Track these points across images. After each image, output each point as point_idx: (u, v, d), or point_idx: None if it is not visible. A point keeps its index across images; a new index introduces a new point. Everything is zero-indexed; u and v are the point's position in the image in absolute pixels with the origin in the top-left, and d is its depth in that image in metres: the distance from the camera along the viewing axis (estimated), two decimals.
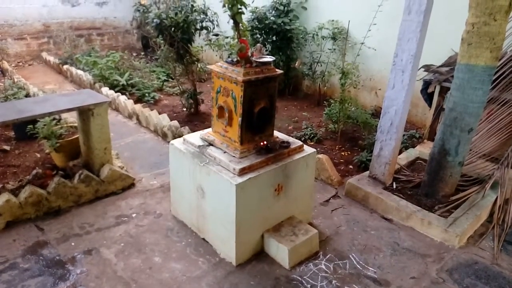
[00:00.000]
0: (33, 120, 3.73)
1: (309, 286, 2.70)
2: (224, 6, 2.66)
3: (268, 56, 2.81)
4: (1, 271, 2.71)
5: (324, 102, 5.47)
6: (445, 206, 3.44)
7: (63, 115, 4.43)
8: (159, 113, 5.31)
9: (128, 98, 5.99)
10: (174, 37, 4.99)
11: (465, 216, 3.28)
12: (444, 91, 4.44)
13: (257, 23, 6.20)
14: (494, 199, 3.56)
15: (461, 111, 3.23)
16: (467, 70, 3.13)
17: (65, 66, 7.67)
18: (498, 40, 3.01)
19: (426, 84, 4.65)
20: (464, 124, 3.24)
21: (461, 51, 3.17)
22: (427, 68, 4.68)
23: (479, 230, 3.39)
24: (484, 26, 2.98)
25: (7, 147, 4.32)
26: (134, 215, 3.41)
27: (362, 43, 5.35)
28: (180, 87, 5.86)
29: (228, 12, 2.68)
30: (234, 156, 2.79)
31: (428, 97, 4.72)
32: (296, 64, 6.07)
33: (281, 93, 6.41)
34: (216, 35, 5.58)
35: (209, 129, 3.13)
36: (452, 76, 3.37)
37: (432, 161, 3.51)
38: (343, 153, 4.62)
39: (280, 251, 2.86)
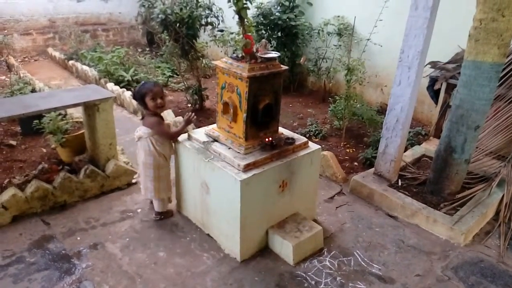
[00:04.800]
0: (39, 115, 3.74)
1: (313, 282, 2.70)
2: (229, 1, 2.65)
3: (273, 52, 2.79)
4: (7, 265, 2.73)
5: (329, 98, 5.45)
6: (450, 203, 3.42)
7: (69, 111, 4.45)
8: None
9: None
10: (179, 33, 4.98)
11: (471, 214, 3.27)
12: (450, 88, 4.40)
13: (262, 18, 6.17)
14: (501, 197, 3.54)
15: (468, 108, 3.20)
16: (474, 66, 3.10)
17: (71, 62, 7.69)
18: (506, 37, 2.97)
19: (433, 81, 4.62)
20: (470, 121, 3.22)
21: (468, 47, 3.14)
22: (433, 64, 4.65)
23: (485, 228, 3.37)
24: (492, 22, 2.95)
25: (13, 142, 4.35)
26: (139, 210, 3.42)
27: (368, 39, 5.32)
28: (185, 83, 5.86)
29: (233, 8, 2.67)
30: (238, 152, 2.78)
31: (435, 94, 4.69)
32: (301, 60, 6.02)
33: (286, 90, 6.39)
34: (221, 30, 5.56)
35: (214, 125, 3.13)
36: (459, 73, 3.34)
37: (438, 159, 3.49)
38: (348, 150, 4.61)
39: (285, 248, 2.86)
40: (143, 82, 3.20)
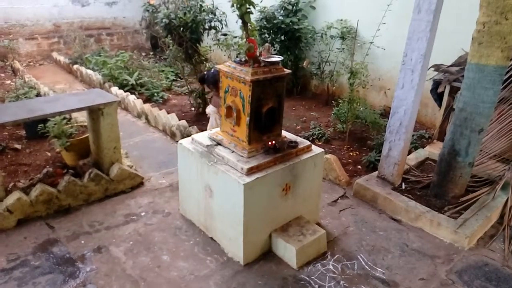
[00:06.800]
0: (44, 119, 3.77)
1: (317, 286, 2.70)
2: (232, 6, 2.67)
3: (276, 56, 2.81)
4: (12, 268, 2.75)
5: (333, 102, 5.45)
6: (454, 207, 3.40)
7: (73, 115, 4.47)
8: (168, 113, 5.33)
9: (137, 98, 6.03)
10: (183, 37, 5.01)
11: (475, 218, 3.25)
12: (454, 91, 4.39)
13: (265, 22, 6.19)
14: (505, 201, 3.52)
15: (472, 111, 3.19)
16: (478, 70, 3.10)
17: (75, 66, 7.75)
18: (510, 40, 2.97)
19: (436, 84, 4.61)
20: (474, 124, 3.21)
21: (472, 50, 3.14)
22: (437, 67, 4.64)
23: (489, 232, 3.35)
24: (495, 25, 2.95)
25: (18, 146, 4.38)
26: (143, 213, 3.43)
27: (371, 43, 5.32)
28: (189, 86, 5.88)
29: (237, 12, 2.68)
30: (242, 156, 2.79)
31: (438, 97, 4.68)
32: (304, 64, 6.05)
33: (289, 93, 6.40)
34: (225, 34, 5.59)
35: (217, 129, 3.14)
36: (462, 76, 3.34)
37: (441, 162, 3.48)
38: (351, 153, 4.60)
39: (288, 251, 2.86)
40: (215, 69, 3.76)
